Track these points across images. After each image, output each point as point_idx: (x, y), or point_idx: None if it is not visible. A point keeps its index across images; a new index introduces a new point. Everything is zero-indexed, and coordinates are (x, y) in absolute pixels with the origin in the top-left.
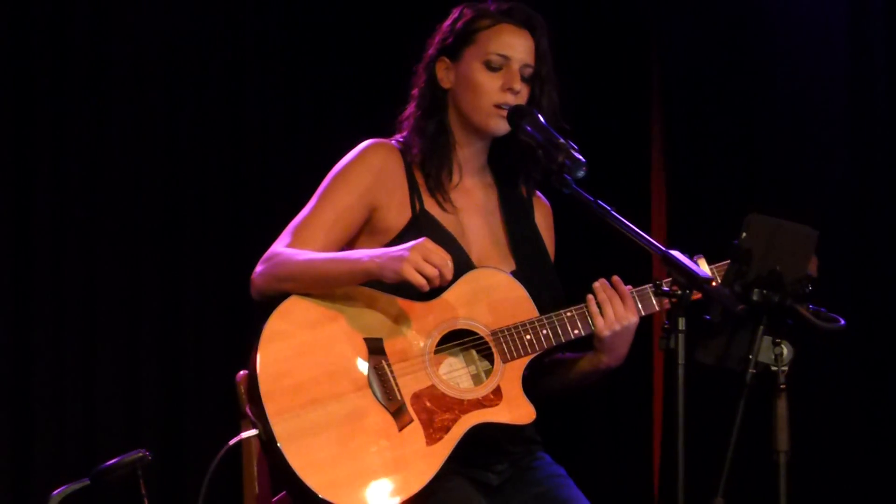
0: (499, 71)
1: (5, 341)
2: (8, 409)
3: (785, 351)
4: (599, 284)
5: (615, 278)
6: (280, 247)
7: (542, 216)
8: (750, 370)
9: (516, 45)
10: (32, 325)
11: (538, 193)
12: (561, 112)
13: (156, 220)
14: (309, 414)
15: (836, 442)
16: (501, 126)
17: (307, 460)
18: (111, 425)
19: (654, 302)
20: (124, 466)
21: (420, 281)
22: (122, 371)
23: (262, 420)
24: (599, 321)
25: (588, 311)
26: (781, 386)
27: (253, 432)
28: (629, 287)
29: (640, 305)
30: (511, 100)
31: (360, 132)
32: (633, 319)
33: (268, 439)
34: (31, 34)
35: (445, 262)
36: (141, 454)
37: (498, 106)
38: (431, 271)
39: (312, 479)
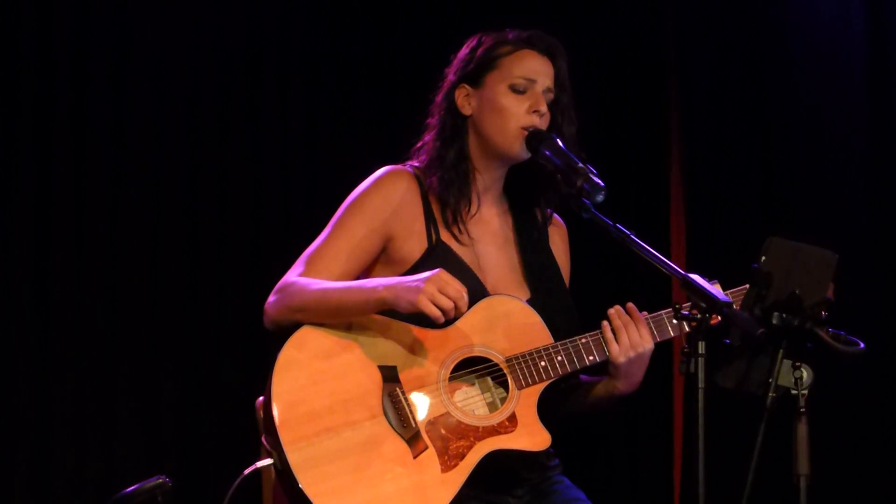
0: (523, 94)
1: (25, 368)
2: (28, 436)
3: (805, 374)
4: (614, 311)
5: (630, 305)
6: (293, 276)
7: (558, 237)
8: (770, 394)
9: (539, 70)
10: (52, 351)
11: (554, 215)
12: (580, 139)
13: (175, 246)
14: (324, 442)
15: (856, 465)
16: (525, 151)
17: (322, 488)
18: (131, 452)
19: (670, 328)
20: (144, 493)
21: (435, 313)
22: (142, 398)
23: (277, 449)
24: (614, 348)
25: (603, 338)
26: (801, 409)
27: (268, 461)
28: (644, 313)
29: (655, 332)
30: (537, 122)
31: (378, 158)
32: (647, 346)
33: (283, 468)
34: (53, 47)
35: (461, 294)
36: (161, 480)
37: (524, 128)
38: (446, 303)
39: None
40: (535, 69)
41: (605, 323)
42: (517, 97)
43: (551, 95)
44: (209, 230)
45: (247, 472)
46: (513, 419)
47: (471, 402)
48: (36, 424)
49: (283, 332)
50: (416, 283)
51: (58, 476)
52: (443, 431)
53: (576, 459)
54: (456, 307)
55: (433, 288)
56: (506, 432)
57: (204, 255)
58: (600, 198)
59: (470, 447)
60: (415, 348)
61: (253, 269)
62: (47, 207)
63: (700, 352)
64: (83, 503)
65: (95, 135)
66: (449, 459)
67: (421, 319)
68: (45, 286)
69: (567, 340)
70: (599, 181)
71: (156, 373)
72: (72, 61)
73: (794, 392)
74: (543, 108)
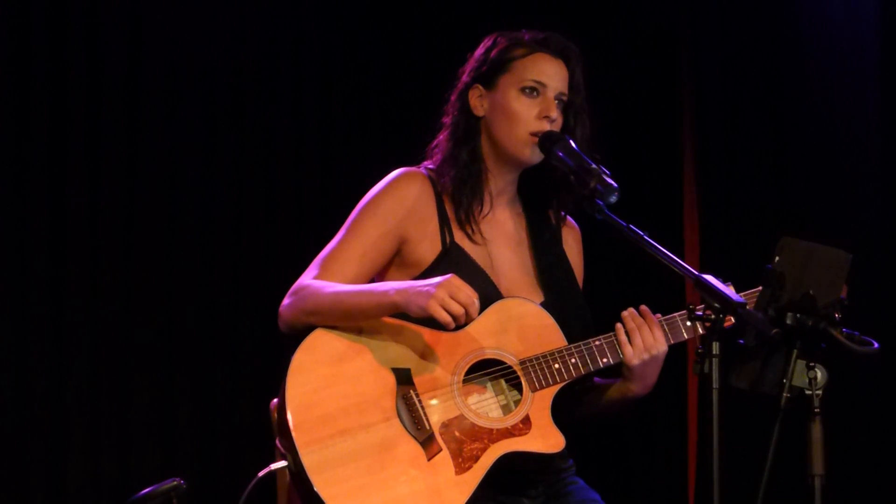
0: (535, 99)
1: (40, 371)
2: (43, 438)
3: (819, 375)
4: (628, 313)
5: (643, 307)
6: (307, 279)
7: (572, 239)
8: (784, 394)
9: (552, 74)
10: (68, 354)
11: (567, 217)
12: (593, 142)
13: (190, 249)
14: (338, 445)
15: (871, 465)
16: (535, 155)
17: (337, 490)
18: (146, 454)
19: (684, 330)
20: (159, 495)
21: (445, 318)
22: (157, 400)
23: (291, 451)
24: (628, 350)
25: (616, 340)
26: (816, 410)
27: (282, 464)
28: (658, 315)
29: (668, 334)
30: (547, 127)
31: (392, 160)
32: (661, 348)
33: (297, 470)
34: (68, 54)
35: (472, 300)
36: (176, 483)
37: (534, 134)
38: (457, 309)
39: None
40: (548, 73)
41: (618, 325)
42: (528, 101)
43: (564, 99)
44: (224, 233)
45: (261, 474)
46: (527, 421)
47: (484, 404)
48: (51, 427)
49: (297, 334)
50: (427, 288)
51: (73, 478)
52: (457, 434)
53: (591, 460)
54: (467, 313)
55: (444, 293)
56: (520, 435)
57: (219, 257)
58: (614, 199)
59: (484, 449)
60: (428, 351)
61: (268, 271)
62: (62, 210)
63: (714, 352)
64: None
65: (110, 140)
66: (463, 462)
67: (434, 322)
68: (60, 289)
69: (581, 343)
70: (613, 182)
71: (171, 375)
72: (86, 72)
73: (808, 392)
74: (554, 114)
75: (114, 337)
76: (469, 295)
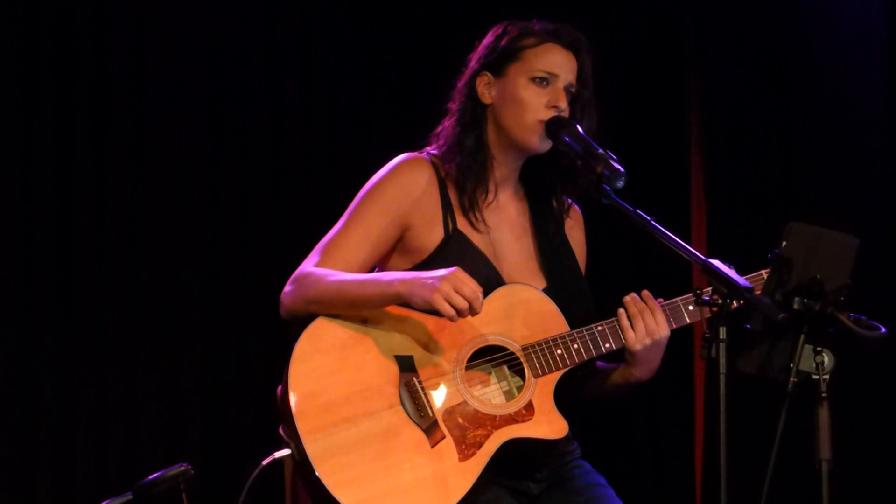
0: (544, 88)
1: (48, 358)
2: (51, 424)
3: (826, 359)
4: (630, 298)
5: (645, 292)
6: (309, 266)
7: (575, 225)
8: (791, 379)
9: (562, 65)
10: (75, 341)
11: (570, 203)
12: (599, 134)
13: (197, 236)
14: (341, 432)
15: (878, 450)
16: (544, 143)
17: (340, 478)
18: (153, 439)
19: (686, 314)
20: (167, 480)
21: (449, 312)
22: (164, 385)
23: (294, 439)
24: (630, 335)
25: (619, 326)
26: (823, 394)
27: (286, 452)
28: (660, 300)
29: (671, 318)
30: None
31: (396, 146)
32: (664, 333)
33: (301, 458)
34: (75, 50)
35: (476, 294)
36: (183, 468)
37: (542, 122)
38: (461, 303)
39: (346, 496)
40: (558, 63)
41: (620, 310)
42: (537, 90)
43: (573, 91)
44: (230, 218)
45: (265, 462)
46: (530, 408)
47: (488, 390)
48: (59, 413)
49: (299, 321)
50: (431, 281)
51: (81, 463)
52: (460, 420)
53: (597, 444)
54: (471, 307)
55: (449, 287)
56: (523, 421)
57: (225, 243)
58: (620, 184)
59: (487, 436)
60: (431, 338)
61: (274, 258)
62: (69, 196)
63: (721, 337)
64: (106, 490)
65: (117, 130)
66: (466, 448)
67: (437, 312)
68: (67, 274)
69: (583, 328)
70: (620, 167)
71: (178, 361)
72: (92, 68)
73: (815, 377)
74: (563, 104)
75: (121, 324)
76: (473, 289)
